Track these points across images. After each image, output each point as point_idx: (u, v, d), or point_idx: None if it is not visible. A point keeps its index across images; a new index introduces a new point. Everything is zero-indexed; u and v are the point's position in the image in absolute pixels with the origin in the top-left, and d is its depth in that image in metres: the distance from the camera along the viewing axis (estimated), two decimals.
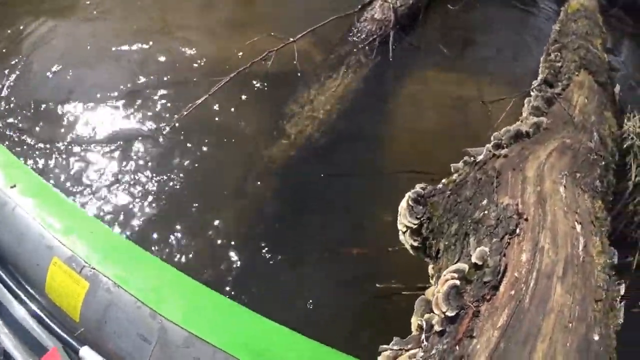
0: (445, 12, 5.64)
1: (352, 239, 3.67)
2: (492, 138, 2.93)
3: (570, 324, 1.84)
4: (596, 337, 1.86)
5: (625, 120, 4.93)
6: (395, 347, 2.02)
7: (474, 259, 2.05)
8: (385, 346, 2.06)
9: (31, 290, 2.23)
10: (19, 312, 2.27)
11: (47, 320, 2.15)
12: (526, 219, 2.23)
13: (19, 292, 2.24)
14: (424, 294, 2.26)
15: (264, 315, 2.14)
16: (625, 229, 4.50)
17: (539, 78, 4.17)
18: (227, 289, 3.38)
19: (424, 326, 1.97)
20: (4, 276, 2.29)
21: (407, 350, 1.98)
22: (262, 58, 4.64)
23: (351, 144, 4.32)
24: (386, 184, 4.02)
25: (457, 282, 1.99)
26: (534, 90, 3.88)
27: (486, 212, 2.34)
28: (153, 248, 3.61)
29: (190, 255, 3.57)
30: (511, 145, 2.86)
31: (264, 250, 3.64)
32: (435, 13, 5.68)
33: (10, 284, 2.26)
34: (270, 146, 4.26)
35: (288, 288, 3.44)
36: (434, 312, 1.99)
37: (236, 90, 4.64)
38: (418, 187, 2.74)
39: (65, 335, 2.08)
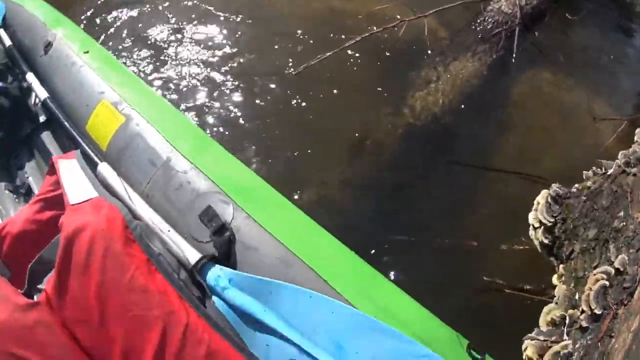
0: (565, 21, 5.71)
1: (458, 229, 3.75)
2: (620, 155, 2.99)
3: None
4: None
5: None
6: (540, 338, 2.24)
7: (616, 265, 2.26)
8: (531, 335, 2.28)
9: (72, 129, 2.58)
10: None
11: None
12: None
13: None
14: (528, 295, 2.46)
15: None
16: None
17: None
18: None
19: (567, 321, 2.21)
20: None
21: (553, 342, 2.21)
22: (394, 26, 4.79)
23: (469, 130, 4.45)
24: (499, 179, 4.13)
25: (607, 282, 2.20)
26: None
27: (624, 223, 2.52)
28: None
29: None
30: (638, 165, 2.91)
31: (370, 223, 3.74)
32: (556, 19, 5.74)
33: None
34: (393, 114, 4.39)
35: (384, 267, 3.44)
36: (577, 309, 2.24)
37: (363, 53, 4.78)
38: (555, 187, 2.87)
39: (87, 148, 2.44)
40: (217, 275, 1.86)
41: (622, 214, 2.58)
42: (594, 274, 2.28)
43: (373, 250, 3.54)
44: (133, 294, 1.63)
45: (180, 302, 1.69)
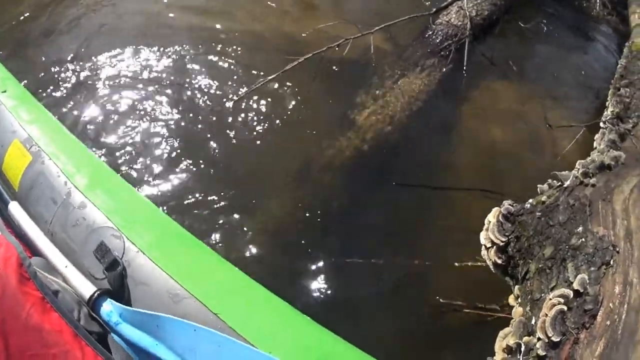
0: (516, 29, 5.71)
1: (410, 249, 3.64)
2: (578, 165, 2.97)
3: None
4: None
5: None
6: None
7: (575, 286, 2.13)
8: None
9: None
10: None
11: None
12: (618, 252, 2.30)
13: None
14: (486, 313, 2.35)
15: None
16: None
17: (609, 111, 4.22)
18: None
19: (523, 349, 2.07)
20: None
21: None
22: (337, 45, 4.67)
23: (419, 148, 4.35)
24: (451, 196, 4.02)
25: (565, 307, 2.07)
26: (606, 122, 3.92)
27: (583, 239, 2.39)
28: (192, 217, 3.66)
29: (227, 231, 3.60)
30: (596, 175, 2.89)
31: (312, 248, 3.62)
32: (506, 29, 5.72)
33: None
34: (339, 136, 4.24)
35: (337, 292, 3.43)
36: (532, 335, 2.10)
37: (306, 73, 4.64)
38: (507, 204, 2.75)
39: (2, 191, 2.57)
40: (109, 310, 1.88)
41: (580, 229, 2.47)
42: (550, 298, 2.14)
43: (323, 276, 3.45)
44: (30, 333, 1.60)
45: (75, 340, 1.67)
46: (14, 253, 1.73)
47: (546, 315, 2.06)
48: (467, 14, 5.25)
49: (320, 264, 3.51)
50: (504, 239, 2.67)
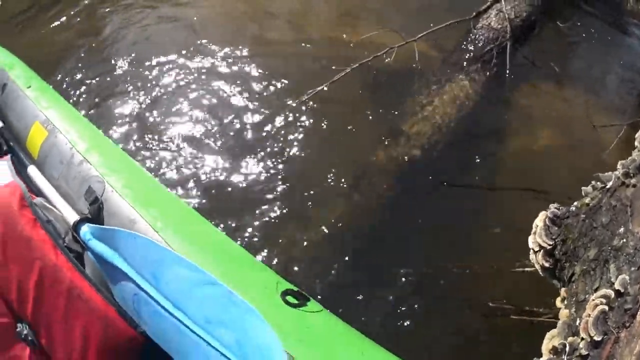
0: (555, 29, 5.70)
1: (460, 254, 3.73)
2: (619, 166, 2.91)
3: None
4: None
5: None
6: None
7: (617, 286, 2.18)
8: None
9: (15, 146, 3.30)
10: None
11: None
12: None
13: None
14: (534, 318, 2.41)
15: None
16: None
17: None
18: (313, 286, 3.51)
19: (567, 349, 2.14)
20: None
21: None
22: (383, 53, 4.72)
23: (465, 152, 4.40)
24: (498, 199, 4.12)
25: (606, 307, 2.12)
26: None
27: (624, 240, 2.43)
28: (241, 222, 3.82)
29: (279, 240, 3.75)
30: (637, 175, 2.83)
31: (365, 255, 3.73)
32: (547, 29, 5.73)
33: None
34: (388, 144, 4.34)
35: (386, 298, 3.53)
36: (576, 336, 2.16)
37: (354, 82, 4.71)
38: (553, 207, 2.80)
39: (21, 155, 3.23)
40: (85, 231, 2.43)
41: (622, 230, 2.50)
42: (593, 299, 2.20)
43: (378, 284, 3.54)
44: (21, 241, 2.29)
45: (53, 250, 2.30)
46: (19, 190, 2.38)
47: (589, 315, 2.12)
48: (507, 16, 5.28)
49: (372, 270, 3.62)
50: (550, 242, 2.72)
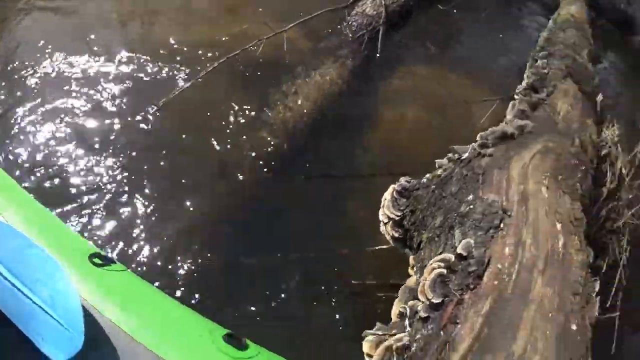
0: (435, 11, 5.71)
1: (325, 239, 3.68)
2: (478, 137, 3.00)
3: (550, 314, 1.97)
4: (574, 327, 2.00)
5: (604, 129, 5.03)
6: (379, 332, 2.13)
7: (459, 250, 2.16)
8: (369, 331, 2.18)
9: None
10: None
11: None
12: (510, 215, 2.34)
13: None
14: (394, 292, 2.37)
15: None
16: (596, 234, 4.61)
17: (524, 82, 4.25)
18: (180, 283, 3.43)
19: (408, 312, 2.08)
20: None
21: (391, 336, 2.07)
22: (252, 45, 4.62)
23: (332, 139, 4.34)
24: (365, 182, 4.04)
25: (444, 270, 2.09)
26: (519, 94, 3.95)
27: (472, 206, 2.43)
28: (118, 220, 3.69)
29: (145, 234, 3.63)
30: (497, 145, 2.93)
31: (231, 245, 3.67)
32: (425, 12, 5.71)
33: None
34: (253, 135, 4.25)
35: (264, 281, 3.48)
36: (418, 300, 2.09)
37: (222, 76, 4.60)
38: (403, 180, 2.83)
39: None
40: None
41: (470, 197, 2.52)
42: (431, 263, 2.17)
43: (243, 272, 3.49)
44: None
45: None
46: None
47: (425, 279, 2.09)
48: (383, 2, 5.24)
49: (237, 259, 3.56)
50: (398, 214, 2.75)
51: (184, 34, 5.20)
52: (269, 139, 4.22)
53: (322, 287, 3.45)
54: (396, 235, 2.78)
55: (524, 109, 3.63)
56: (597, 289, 2.40)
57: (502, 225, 2.30)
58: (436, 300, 2.02)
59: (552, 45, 4.95)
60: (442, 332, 1.92)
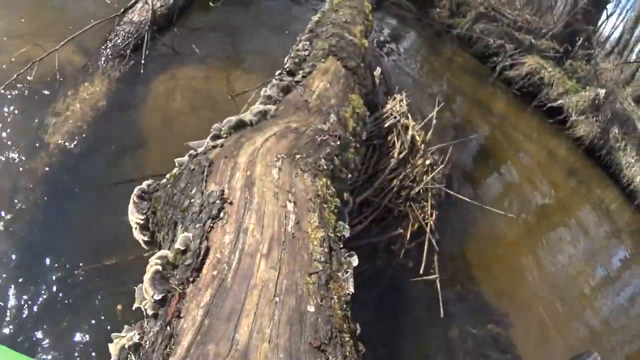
0: (207, 9, 5.78)
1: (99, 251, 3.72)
2: (212, 129, 3.02)
3: (277, 298, 1.98)
4: (312, 309, 2.01)
5: (389, 100, 5.16)
6: (123, 334, 2.10)
7: (177, 245, 2.17)
8: (115, 334, 2.15)
9: None
10: None
11: None
12: (230, 203, 2.37)
13: None
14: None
15: None
16: (390, 203, 4.74)
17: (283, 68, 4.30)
18: None
19: (144, 311, 2.07)
20: None
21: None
22: (26, 70, 4.59)
23: (106, 148, 4.37)
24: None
25: (160, 267, 2.10)
26: (273, 80, 3.99)
27: (192, 200, 2.45)
28: None
29: None
30: (231, 134, 2.98)
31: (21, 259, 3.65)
32: (196, 11, 5.80)
33: None
34: (32, 158, 4.20)
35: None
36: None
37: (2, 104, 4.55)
38: (144, 184, 2.79)
39: None
40: None
41: (194, 191, 2.54)
42: (150, 261, 2.15)
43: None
44: None
45: None
46: None
47: (146, 278, 2.09)
48: (151, 7, 5.24)
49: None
50: (142, 217, 2.72)
51: None
52: (46, 159, 4.20)
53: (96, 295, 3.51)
54: (146, 238, 2.75)
55: (271, 95, 3.69)
56: (354, 263, 2.44)
57: (222, 215, 2.31)
58: (158, 297, 2.02)
59: (320, 26, 5.06)
60: (168, 328, 1.92)
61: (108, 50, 5.07)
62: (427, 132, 6.10)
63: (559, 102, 11.68)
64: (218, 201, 2.36)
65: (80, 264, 3.61)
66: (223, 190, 2.45)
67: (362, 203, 4.86)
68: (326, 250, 2.36)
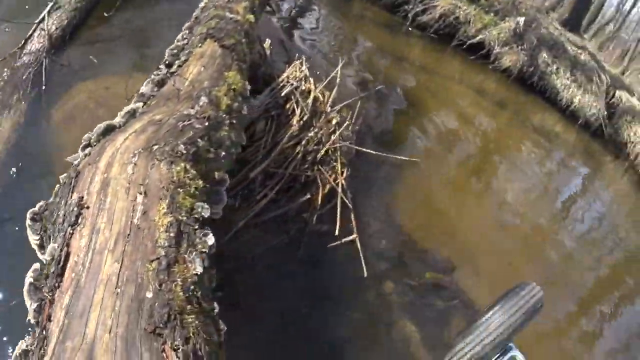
0: (101, 21, 5.95)
1: None
2: (82, 140, 3.19)
3: (119, 289, 2.22)
4: (150, 295, 2.23)
5: (287, 67, 5.31)
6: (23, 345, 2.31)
7: (46, 256, 2.47)
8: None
9: None
10: None
11: None
12: (87, 207, 2.60)
13: None
14: None
15: None
16: (296, 171, 4.90)
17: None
18: None
19: (32, 322, 2.35)
20: None
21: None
22: None
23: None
24: None
25: (32, 279, 2.40)
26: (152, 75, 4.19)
27: (58, 212, 2.69)
28: None
29: None
30: (100, 141, 3.14)
31: None
32: (92, 25, 5.98)
33: None
34: None
35: None
36: None
37: None
38: (37, 206, 2.91)
39: None
40: None
41: (63, 202, 2.75)
42: (28, 274, 2.44)
43: None
44: None
45: None
46: None
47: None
48: (47, 32, 5.40)
49: None
50: (37, 237, 2.83)
51: None
52: None
53: None
54: (49, 258, 2.69)
55: (145, 92, 3.87)
56: (210, 243, 2.65)
57: (79, 220, 2.53)
58: (34, 305, 2.29)
59: (203, 11, 5.24)
60: (43, 332, 2.18)
61: (10, 84, 5.12)
62: (332, 92, 6.26)
63: (479, 37, 11.77)
64: (76, 208, 2.59)
65: None
66: (82, 197, 2.66)
67: (266, 176, 4.97)
68: (172, 234, 2.55)
